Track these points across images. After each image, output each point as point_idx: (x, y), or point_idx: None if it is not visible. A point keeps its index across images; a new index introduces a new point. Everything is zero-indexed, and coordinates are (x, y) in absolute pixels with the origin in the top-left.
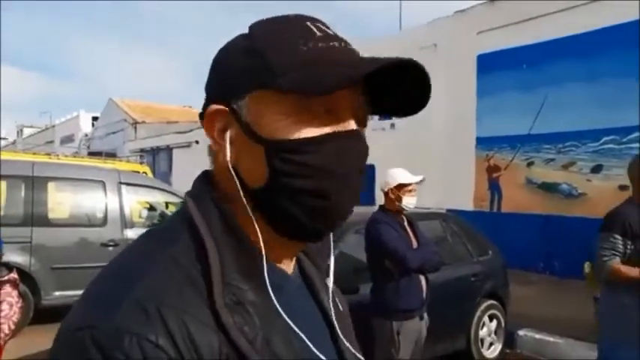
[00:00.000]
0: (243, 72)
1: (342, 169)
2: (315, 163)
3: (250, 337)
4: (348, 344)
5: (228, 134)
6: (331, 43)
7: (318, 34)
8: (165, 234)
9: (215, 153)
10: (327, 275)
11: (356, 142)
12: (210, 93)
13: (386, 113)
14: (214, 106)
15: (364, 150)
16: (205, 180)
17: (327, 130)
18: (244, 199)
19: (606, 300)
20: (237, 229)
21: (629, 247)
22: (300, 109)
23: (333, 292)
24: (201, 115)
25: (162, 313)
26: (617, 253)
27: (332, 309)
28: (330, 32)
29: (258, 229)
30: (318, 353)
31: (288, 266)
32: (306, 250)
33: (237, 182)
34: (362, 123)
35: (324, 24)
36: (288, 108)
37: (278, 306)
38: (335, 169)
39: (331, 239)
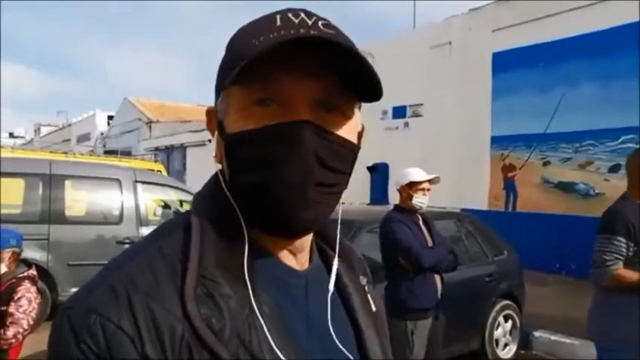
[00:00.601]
0: (219, 72)
1: (281, 161)
2: (253, 156)
3: (216, 328)
4: (372, 344)
5: (215, 133)
6: (283, 32)
7: (279, 24)
8: (163, 229)
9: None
10: (364, 274)
11: (297, 132)
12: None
13: (362, 99)
14: (209, 108)
15: (312, 140)
16: (215, 178)
17: (268, 122)
18: (229, 195)
19: (599, 303)
20: (228, 222)
21: (631, 250)
22: (248, 102)
23: (365, 290)
24: None
25: (131, 297)
26: (620, 258)
27: (360, 310)
28: (295, 20)
29: (243, 223)
30: (295, 348)
31: (292, 262)
32: (333, 246)
33: (222, 180)
34: (334, 111)
35: (298, 13)
36: (239, 102)
37: (252, 299)
38: (272, 161)
39: (337, 241)
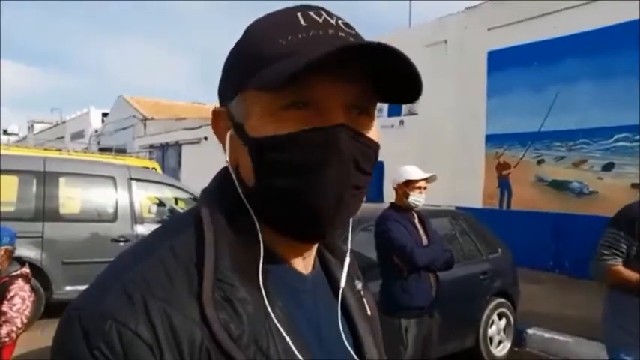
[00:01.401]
0: (233, 72)
1: (320, 166)
2: (290, 161)
3: (235, 334)
4: (369, 349)
5: (228, 135)
6: (312, 33)
7: (304, 24)
8: (172, 226)
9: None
10: (358, 277)
11: (340, 137)
12: (218, 94)
13: (392, 101)
14: (217, 108)
15: (351, 145)
16: (223, 177)
17: (303, 126)
18: (244, 199)
19: (610, 302)
20: (240, 224)
21: (634, 248)
22: (279, 105)
23: (360, 294)
24: None
25: (147, 302)
26: (618, 253)
27: (356, 314)
28: (319, 19)
29: (258, 227)
30: (310, 355)
31: (301, 266)
32: (332, 250)
33: (237, 182)
34: (365, 113)
35: (319, 12)
36: (266, 105)
37: (267, 305)
38: (312, 166)
39: (349, 242)
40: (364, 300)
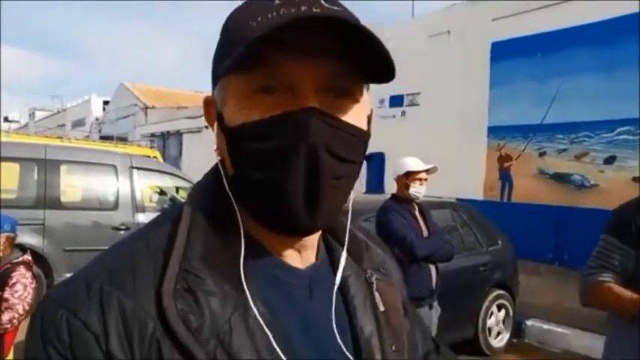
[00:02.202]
0: (215, 59)
1: (288, 153)
2: (259, 150)
3: (193, 325)
4: (372, 346)
5: (215, 125)
6: (283, 11)
7: (277, 2)
8: (157, 219)
9: None
10: (377, 269)
11: (304, 122)
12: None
13: (373, 80)
14: (207, 97)
15: (321, 129)
16: (214, 169)
17: (274, 112)
18: (228, 190)
19: (610, 331)
20: (225, 216)
21: (632, 259)
22: (250, 91)
23: (374, 288)
24: None
25: (103, 292)
26: (609, 266)
27: (359, 307)
28: None
29: (240, 221)
30: (280, 353)
31: (296, 260)
32: (340, 239)
33: (223, 173)
34: (343, 95)
35: None
36: (240, 90)
37: (250, 299)
38: (279, 154)
39: (347, 237)
40: (376, 294)
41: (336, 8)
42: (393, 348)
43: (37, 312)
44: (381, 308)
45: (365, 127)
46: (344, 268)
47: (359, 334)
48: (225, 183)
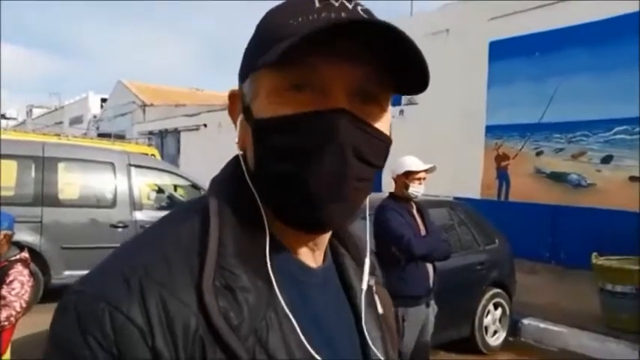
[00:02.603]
0: (248, 54)
1: (317, 151)
2: (287, 144)
3: (234, 322)
4: (377, 348)
5: (240, 118)
6: (324, 14)
7: (317, 5)
8: (179, 215)
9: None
10: (371, 273)
11: (336, 122)
12: (238, 76)
13: (402, 91)
14: (233, 90)
15: (351, 131)
16: (233, 163)
17: (304, 109)
18: (251, 185)
19: None
20: (247, 212)
21: None
22: (282, 86)
23: (373, 291)
24: None
25: (143, 287)
26: None
27: (363, 310)
28: (336, 3)
29: (264, 214)
30: (313, 352)
31: (310, 259)
32: (346, 244)
33: (244, 167)
34: (371, 100)
35: None
36: (272, 86)
37: (280, 295)
38: (308, 150)
39: (367, 236)
40: (375, 297)
41: (373, 18)
42: (392, 349)
43: (67, 304)
44: (380, 311)
45: (389, 134)
46: (351, 272)
47: (366, 336)
48: (247, 177)
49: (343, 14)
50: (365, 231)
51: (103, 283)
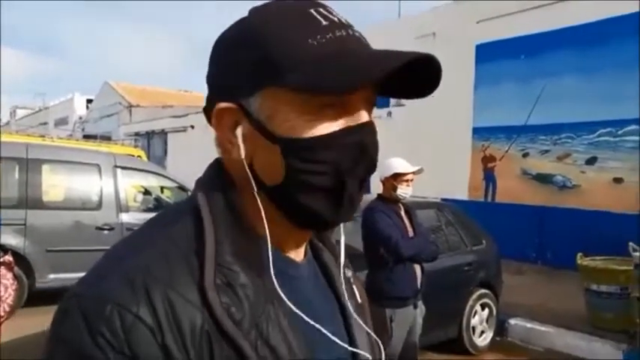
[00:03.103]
0: (248, 67)
1: (358, 163)
2: (331, 160)
3: (237, 318)
4: (359, 334)
5: (239, 131)
6: (338, 34)
7: (324, 23)
8: (169, 216)
9: (225, 147)
10: (347, 266)
11: (369, 134)
12: (213, 87)
13: (393, 95)
14: (223, 104)
15: (376, 140)
16: (217, 168)
17: (340, 125)
18: (256, 194)
19: None
20: (240, 215)
21: None
22: (314, 105)
23: (352, 283)
24: (206, 109)
25: (148, 287)
26: None
27: (347, 300)
28: (335, 19)
29: (265, 219)
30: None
31: (297, 254)
32: (323, 240)
33: (252, 178)
34: (370, 110)
35: (326, 8)
36: (301, 105)
37: (279, 289)
38: (351, 163)
39: (341, 229)
40: (354, 288)
41: (357, 30)
42: (370, 337)
43: (70, 308)
44: (359, 301)
45: None
46: (330, 265)
47: (351, 325)
48: (255, 187)
49: (350, 32)
50: (347, 231)
51: (105, 284)
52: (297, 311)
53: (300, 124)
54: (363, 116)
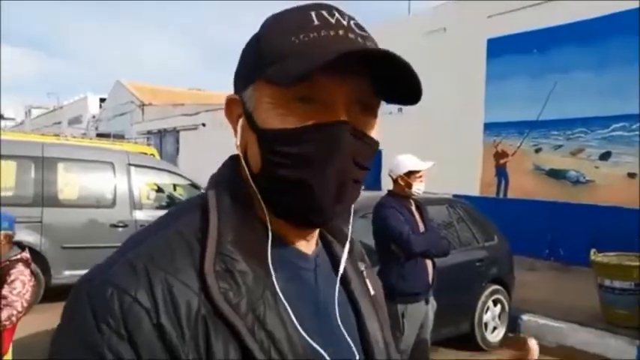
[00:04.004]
0: (249, 62)
1: (325, 160)
2: (295, 154)
3: (233, 302)
4: (371, 326)
5: (240, 122)
6: (324, 33)
7: (316, 22)
8: (180, 209)
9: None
10: (362, 260)
11: (341, 133)
12: (234, 82)
13: (394, 101)
14: (231, 96)
15: (351, 142)
16: (230, 163)
17: (309, 121)
18: (252, 183)
19: None
20: (248, 207)
21: None
22: (286, 99)
23: (363, 274)
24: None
25: (149, 272)
26: None
27: (358, 292)
28: (333, 20)
29: (265, 209)
30: (301, 330)
31: (305, 247)
32: (334, 233)
33: (246, 167)
34: (366, 110)
35: (332, 12)
36: (276, 98)
37: (274, 278)
38: (314, 159)
39: (350, 227)
40: (367, 281)
41: (365, 34)
42: (383, 329)
43: (78, 293)
44: (372, 292)
45: (378, 138)
46: (338, 257)
47: (363, 316)
48: (249, 177)
49: (341, 32)
50: (359, 227)
51: (111, 270)
52: (284, 301)
53: (273, 116)
54: (338, 114)
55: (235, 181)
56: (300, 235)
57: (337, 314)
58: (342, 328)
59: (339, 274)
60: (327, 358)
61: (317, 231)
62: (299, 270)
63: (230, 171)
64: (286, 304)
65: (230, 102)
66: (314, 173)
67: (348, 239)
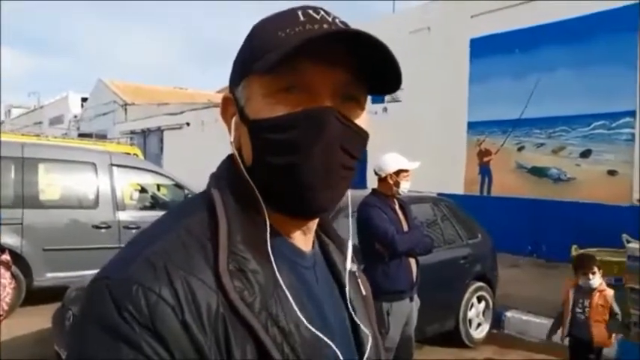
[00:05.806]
0: (240, 60)
1: (308, 144)
2: (282, 140)
3: (248, 300)
4: (364, 326)
5: (234, 119)
6: (309, 27)
7: (302, 19)
8: (184, 208)
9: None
10: (352, 260)
11: (325, 119)
12: (229, 82)
13: (377, 92)
14: (226, 95)
15: (337, 126)
16: (228, 162)
17: (296, 108)
18: (248, 178)
19: None
20: (247, 203)
21: None
22: (274, 89)
23: (355, 275)
24: None
25: (169, 270)
26: None
27: (350, 291)
28: (317, 17)
29: (263, 205)
30: (310, 327)
31: (302, 243)
32: (329, 233)
33: (241, 163)
34: (352, 101)
35: (318, 10)
36: (264, 89)
37: (279, 276)
38: (300, 144)
39: (350, 223)
40: (359, 281)
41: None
42: (373, 328)
43: (99, 290)
44: (364, 293)
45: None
46: (335, 257)
47: (355, 314)
48: (245, 171)
49: (325, 26)
50: (347, 226)
51: (131, 268)
52: (289, 297)
53: (263, 107)
54: (324, 101)
55: (235, 179)
56: (298, 229)
57: (333, 313)
58: (337, 327)
59: (347, 273)
60: (338, 352)
61: (314, 227)
62: (298, 267)
63: (229, 169)
64: (293, 303)
65: (225, 101)
66: (301, 157)
67: (349, 240)
